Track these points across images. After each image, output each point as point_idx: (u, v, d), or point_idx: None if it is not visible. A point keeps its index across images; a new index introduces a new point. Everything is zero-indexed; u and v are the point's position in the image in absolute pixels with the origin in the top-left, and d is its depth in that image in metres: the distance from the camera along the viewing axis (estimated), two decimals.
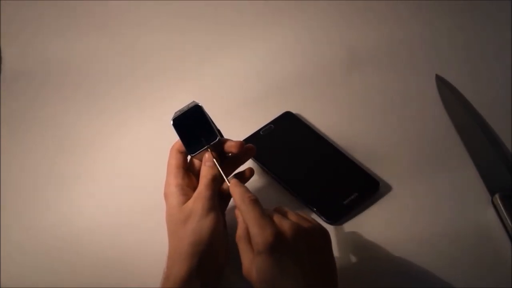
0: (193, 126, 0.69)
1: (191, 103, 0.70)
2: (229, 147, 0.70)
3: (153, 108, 0.88)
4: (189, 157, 0.72)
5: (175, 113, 0.70)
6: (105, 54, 0.96)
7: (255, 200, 0.63)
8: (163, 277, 0.64)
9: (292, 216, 0.64)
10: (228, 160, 0.72)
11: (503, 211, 0.72)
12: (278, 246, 0.60)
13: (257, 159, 0.80)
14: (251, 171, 0.72)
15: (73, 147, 0.84)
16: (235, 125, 0.84)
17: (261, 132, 0.83)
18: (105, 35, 0.98)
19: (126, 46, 0.97)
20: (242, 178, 0.71)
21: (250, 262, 0.61)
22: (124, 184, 0.79)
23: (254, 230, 0.60)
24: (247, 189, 0.65)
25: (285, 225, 0.61)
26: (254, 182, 0.78)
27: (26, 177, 0.81)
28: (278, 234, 0.60)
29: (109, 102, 0.89)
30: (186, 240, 0.64)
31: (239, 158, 0.72)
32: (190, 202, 0.67)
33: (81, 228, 0.75)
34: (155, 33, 0.99)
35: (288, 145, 0.82)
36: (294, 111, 0.85)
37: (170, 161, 0.70)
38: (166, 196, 0.69)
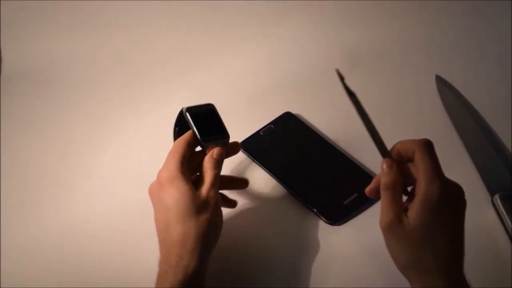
0: (205, 121, 0.70)
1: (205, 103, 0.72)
2: (232, 150, 0.72)
3: (153, 108, 0.87)
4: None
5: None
6: (105, 54, 0.96)
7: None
8: (174, 263, 0.62)
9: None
10: None
11: (503, 211, 0.72)
12: (442, 201, 0.60)
13: (257, 159, 0.80)
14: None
15: (73, 148, 0.84)
16: (235, 125, 0.84)
17: (261, 133, 0.83)
18: (105, 35, 0.98)
19: (126, 46, 0.97)
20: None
21: (398, 211, 0.60)
22: (124, 183, 0.79)
23: (427, 179, 0.60)
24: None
25: (452, 184, 0.62)
26: (253, 182, 0.78)
27: (25, 176, 0.81)
28: (445, 189, 0.60)
29: (109, 101, 0.89)
30: (202, 229, 0.64)
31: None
32: (203, 193, 0.66)
33: (80, 229, 0.75)
34: (155, 33, 0.99)
35: (288, 146, 0.82)
36: (294, 111, 0.85)
37: (175, 148, 0.69)
38: (169, 179, 0.66)
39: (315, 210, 0.74)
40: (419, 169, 0.60)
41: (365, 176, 0.77)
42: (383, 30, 0.96)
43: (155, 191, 0.67)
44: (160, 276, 0.63)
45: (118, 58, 0.95)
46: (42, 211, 0.77)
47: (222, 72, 0.92)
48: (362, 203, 0.75)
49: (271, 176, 0.78)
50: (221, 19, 1.00)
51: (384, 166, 0.63)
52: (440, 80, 0.87)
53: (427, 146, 0.61)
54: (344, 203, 0.74)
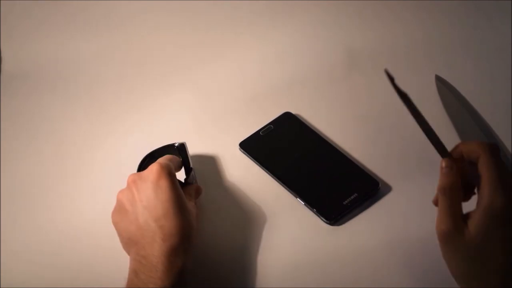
0: (185, 159, 0.75)
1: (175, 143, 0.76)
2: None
3: (152, 108, 0.88)
4: None
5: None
6: (105, 55, 0.96)
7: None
8: (174, 254, 0.63)
9: None
10: None
11: None
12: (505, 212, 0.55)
13: (257, 160, 0.80)
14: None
15: (73, 147, 0.84)
16: (235, 125, 0.84)
17: (261, 133, 0.83)
18: (105, 36, 0.98)
19: (126, 47, 0.97)
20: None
21: (456, 218, 0.56)
22: (122, 184, 0.79)
23: (492, 188, 0.55)
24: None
25: None
26: (253, 182, 0.78)
27: (25, 176, 0.81)
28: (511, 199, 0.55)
29: (109, 101, 0.89)
30: (193, 228, 0.67)
31: None
32: (191, 206, 0.69)
33: (80, 229, 0.76)
34: (155, 33, 0.99)
35: (287, 146, 0.82)
36: (294, 111, 0.85)
37: (176, 159, 0.73)
38: (172, 174, 0.67)
39: (314, 210, 0.74)
40: (483, 175, 0.56)
41: (365, 176, 0.77)
42: (383, 30, 0.96)
43: (150, 175, 0.67)
44: (150, 265, 0.62)
45: (118, 58, 0.95)
46: (41, 211, 0.78)
47: (222, 72, 0.92)
48: (362, 203, 0.75)
49: (271, 176, 0.78)
50: (221, 19, 1.00)
51: (443, 166, 0.58)
52: (440, 80, 0.87)
53: (494, 150, 0.57)
54: (344, 203, 0.74)
